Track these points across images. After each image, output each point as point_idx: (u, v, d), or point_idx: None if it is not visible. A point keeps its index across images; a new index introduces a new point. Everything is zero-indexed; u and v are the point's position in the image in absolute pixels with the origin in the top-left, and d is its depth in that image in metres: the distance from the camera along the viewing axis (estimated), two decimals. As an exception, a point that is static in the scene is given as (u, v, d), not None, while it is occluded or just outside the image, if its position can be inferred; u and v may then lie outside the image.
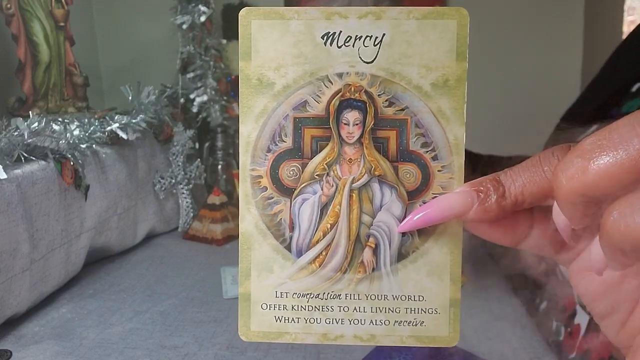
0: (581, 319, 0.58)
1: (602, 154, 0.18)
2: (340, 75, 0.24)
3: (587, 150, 0.18)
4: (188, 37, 1.01)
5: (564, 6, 1.20)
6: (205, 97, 1.02)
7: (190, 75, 1.02)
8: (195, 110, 1.03)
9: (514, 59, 1.21)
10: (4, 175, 0.56)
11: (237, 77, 1.08)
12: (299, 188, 0.25)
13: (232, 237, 0.91)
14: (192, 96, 1.02)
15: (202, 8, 0.99)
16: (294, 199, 0.25)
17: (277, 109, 0.24)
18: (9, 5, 0.76)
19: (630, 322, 0.23)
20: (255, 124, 0.25)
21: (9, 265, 0.56)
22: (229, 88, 1.06)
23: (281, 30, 0.24)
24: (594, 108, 0.63)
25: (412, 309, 0.25)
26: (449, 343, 0.25)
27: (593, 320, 0.55)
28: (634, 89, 0.59)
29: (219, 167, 1.06)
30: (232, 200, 0.99)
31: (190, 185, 0.95)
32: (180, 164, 0.93)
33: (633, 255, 0.18)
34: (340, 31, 0.24)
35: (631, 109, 0.57)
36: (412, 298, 0.25)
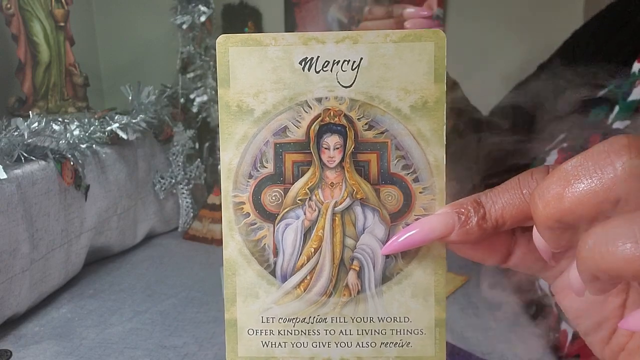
0: (567, 325, 0.58)
1: (577, 181, 0.18)
2: (319, 100, 0.24)
3: (563, 177, 0.19)
4: (188, 37, 1.01)
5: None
6: (205, 97, 1.02)
7: (190, 75, 1.02)
8: (195, 110, 1.03)
9: (512, 49, 1.21)
10: (4, 175, 0.56)
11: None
12: (282, 213, 0.25)
13: (232, 237, 0.91)
14: (192, 96, 1.02)
15: (202, 8, 0.99)
16: (277, 224, 0.25)
17: (257, 135, 0.25)
18: (9, 5, 0.76)
19: (614, 339, 0.23)
20: (236, 150, 0.25)
21: (9, 265, 0.56)
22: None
23: (259, 57, 0.24)
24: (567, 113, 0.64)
25: (398, 330, 0.25)
26: None
27: None
28: (600, 94, 0.59)
29: (219, 167, 1.06)
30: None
31: (190, 185, 0.95)
32: (180, 164, 0.93)
33: (609, 283, 0.18)
34: (318, 56, 0.24)
35: (597, 117, 0.57)
36: (398, 319, 0.25)
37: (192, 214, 0.95)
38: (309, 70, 0.24)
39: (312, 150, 0.25)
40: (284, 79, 0.24)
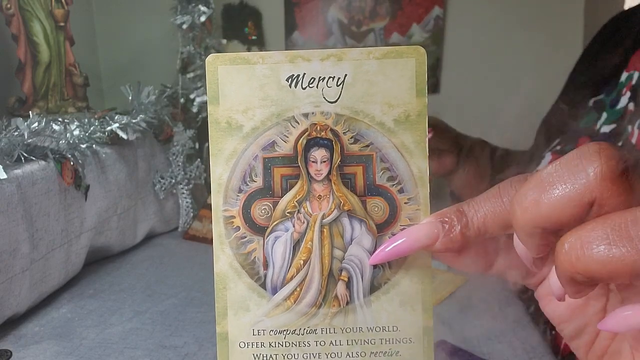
0: None
1: (553, 187, 0.19)
2: (306, 115, 0.25)
3: (539, 184, 0.19)
4: (188, 37, 1.01)
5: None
6: (205, 97, 1.02)
7: (190, 75, 1.02)
8: (195, 110, 1.03)
9: (513, 49, 1.21)
10: (4, 175, 0.55)
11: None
12: (271, 226, 0.25)
13: (232, 237, 0.91)
14: (192, 96, 1.02)
15: (202, 8, 0.99)
16: (267, 237, 0.25)
17: (246, 150, 0.25)
18: (9, 5, 0.76)
19: (597, 344, 0.24)
20: (226, 165, 0.25)
21: (9, 265, 0.56)
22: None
23: (247, 75, 0.25)
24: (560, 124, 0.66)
25: (387, 339, 0.25)
26: None
27: None
28: (591, 103, 0.60)
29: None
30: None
31: (190, 185, 0.95)
32: (180, 164, 0.93)
33: (585, 285, 0.19)
34: (304, 73, 0.25)
35: (588, 124, 0.58)
36: (387, 329, 0.25)
37: (192, 214, 0.95)
38: (295, 87, 0.25)
39: (299, 164, 0.25)
40: (271, 96, 0.25)
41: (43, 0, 0.78)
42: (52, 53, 0.80)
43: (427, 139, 0.25)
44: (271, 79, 0.25)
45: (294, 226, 0.25)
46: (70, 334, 0.58)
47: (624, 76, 0.58)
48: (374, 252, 0.25)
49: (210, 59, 0.25)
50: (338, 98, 0.25)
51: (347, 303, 0.25)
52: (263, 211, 0.25)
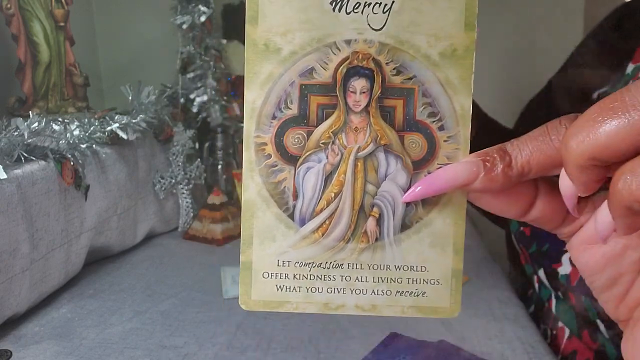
0: (564, 323, 0.58)
1: (614, 116, 0.18)
2: (348, 42, 0.24)
3: (599, 113, 0.18)
4: (188, 37, 1.01)
5: None
6: (205, 97, 1.02)
7: (190, 75, 1.02)
8: (195, 110, 1.03)
9: (513, 49, 1.21)
10: (4, 175, 0.55)
11: (237, 77, 1.08)
12: (304, 156, 0.24)
13: (232, 237, 0.91)
14: (192, 96, 1.02)
15: (202, 8, 0.99)
16: (299, 167, 0.24)
17: (283, 76, 0.24)
18: (9, 5, 0.75)
19: (630, 295, 0.23)
20: (261, 90, 0.24)
21: (9, 265, 0.56)
22: (229, 88, 1.06)
23: None
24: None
25: (414, 279, 0.25)
26: (450, 314, 0.25)
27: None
28: (595, 95, 0.59)
29: (219, 167, 1.06)
30: (232, 200, 0.99)
31: (190, 185, 0.95)
32: (180, 164, 0.93)
33: None
34: None
35: None
36: (415, 268, 0.25)
37: (192, 214, 0.95)
38: (339, 11, 0.24)
39: (337, 94, 0.24)
40: (313, 19, 0.24)
41: (43, 0, 0.78)
42: (52, 53, 0.80)
43: (472, 76, 0.24)
44: (314, 1, 0.24)
45: (327, 157, 0.24)
46: (70, 334, 0.58)
47: (630, 68, 0.57)
48: (408, 189, 0.24)
49: None
50: (383, 25, 0.24)
51: (376, 240, 0.24)
52: (296, 140, 0.24)
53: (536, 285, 0.66)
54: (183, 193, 0.94)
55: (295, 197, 0.25)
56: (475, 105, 0.73)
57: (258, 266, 0.25)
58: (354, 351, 0.53)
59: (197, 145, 1.02)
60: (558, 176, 0.22)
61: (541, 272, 0.61)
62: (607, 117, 0.18)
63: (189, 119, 1.03)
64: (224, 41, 1.07)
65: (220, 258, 0.82)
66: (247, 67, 0.24)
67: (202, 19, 0.99)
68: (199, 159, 0.98)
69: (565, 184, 0.22)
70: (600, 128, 0.18)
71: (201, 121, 1.04)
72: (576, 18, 1.22)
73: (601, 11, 1.23)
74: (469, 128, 0.24)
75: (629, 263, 0.23)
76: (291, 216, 0.25)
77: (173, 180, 0.93)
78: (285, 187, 0.24)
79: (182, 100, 1.02)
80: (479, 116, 0.71)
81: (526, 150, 0.21)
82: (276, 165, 0.24)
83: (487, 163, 0.22)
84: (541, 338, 0.56)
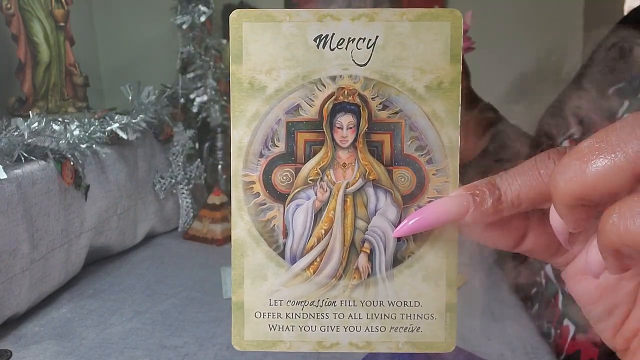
0: (570, 322, 0.58)
1: (600, 156, 0.18)
2: (333, 79, 0.24)
3: (585, 153, 0.18)
4: (188, 37, 1.01)
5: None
6: (205, 97, 1.02)
7: (190, 75, 1.02)
8: (195, 110, 1.03)
9: (514, 45, 1.21)
10: (4, 175, 0.55)
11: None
12: (293, 193, 0.24)
13: (232, 237, 0.91)
14: (192, 96, 1.02)
15: (202, 8, 0.99)
16: (288, 204, 0.24)
17: (269, 113, 0.24)
18: (9, 5, 0.76)
19: (626, 325, 0.23)
20: (247, 128, 0.24)
21: (9, 265, 0.56)
22: (229, 88, 1.06)
23: (273, 33, 0.24)
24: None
25: (408, 314, 0.25)
26: (445, 348, 0.25)
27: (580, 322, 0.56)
28: (611, 91, 0.59)
29: (219, 167, 1.06)
30: (232, 200, 0.98)
31: (190, 185, 0.95)
32: (180, 164, 0.93)
33: (634, 257, 0.18)
34: (333, 33, 0.24)
35: (608, 113, 0.57)
36: (408, 304, 0.24)
37: (192, 214, 0.95)
38: (323, 47, 0.24)
39: (324, 130, 0.24)
40: (297, 56, 0.24)
41: (43, 0, 0.78)
42: (52, 53, 0.80)
43: (459, 108, 0.24)
44: (298, 38, 0.24)
45: (316, 194, 0.24)
46: (70, 334, 0.58)
47: None
48: (398, 224, 0.24)
49: (235, 14, 0.24)
50: (368, 61, 0.24)
51: (369, 276, 0.24)
52: (285, 177, 0.24)
53: (543, 281, 0.66)
54: (183, 193, 0.94)
55: (285, 235, 0.24)
56: (494, 111, 0.73)
57: (250, 306, 0.25)
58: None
59: (197, 145, 1.02)
60: (549, 209, 0.22)
61: (548, 268, 0.61)
62: (594, 158, 0.18)
63: (189, 119, 1.03)
64: (224, 41, 1.07)
65: (220, 258, 0.82)
66: (233, 105, 0.24)
67: (202, 19, 0.99)
68: (199, 159, 0.98)
69: (556, 220, 0.21)
70: (587, 169, 0.18)
71: (201, 121, 1.04)
72: (576, 18, 1.22)
73: (601, 11, 1.23)
74: (457, 160, 0.24)
75: (624, 294, 0.22)
76: (282, 254, 0.24)
77: (173, 180, 0.93)
78: (274, 225, 0.24)
79: (182, 100, 1.03)
80: (499, 122, 0.71)
81: (515, 185, 0.21)
82: (265, 204, 0.24)
83: (476, 197, 0.22)
84: (541, 338, 0.56)
